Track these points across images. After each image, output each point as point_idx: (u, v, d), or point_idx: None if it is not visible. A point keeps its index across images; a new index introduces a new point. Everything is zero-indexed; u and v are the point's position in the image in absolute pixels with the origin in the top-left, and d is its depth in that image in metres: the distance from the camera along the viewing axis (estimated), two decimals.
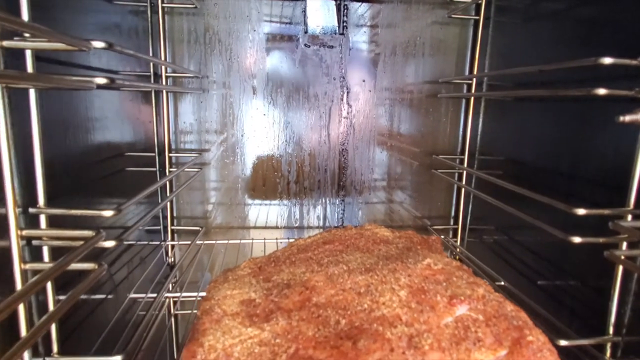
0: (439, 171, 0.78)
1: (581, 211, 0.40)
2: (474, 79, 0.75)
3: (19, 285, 0.31)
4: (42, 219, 0.35)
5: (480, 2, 0.72)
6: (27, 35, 0.31)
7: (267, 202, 0.81)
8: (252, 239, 0.79)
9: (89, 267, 0.33)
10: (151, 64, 0.67)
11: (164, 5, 0.68)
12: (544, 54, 0.58)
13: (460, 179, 0.79)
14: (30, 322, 0.32)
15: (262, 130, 0.77)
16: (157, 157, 0.72)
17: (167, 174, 0.72)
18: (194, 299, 0.66)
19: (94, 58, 0.48)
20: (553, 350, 0.26)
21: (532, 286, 0.58)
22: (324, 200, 0.81)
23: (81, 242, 0.32)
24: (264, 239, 0.79)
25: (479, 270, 0.65)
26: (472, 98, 0.75)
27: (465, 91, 0.77)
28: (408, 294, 0.31)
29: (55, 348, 0.37)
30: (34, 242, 0.34)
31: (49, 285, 0.35)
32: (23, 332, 0.31)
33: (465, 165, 0.77)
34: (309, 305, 0.32)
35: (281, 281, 0.37)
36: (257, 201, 0.80)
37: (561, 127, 0.53)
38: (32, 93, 0.33)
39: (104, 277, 0.51)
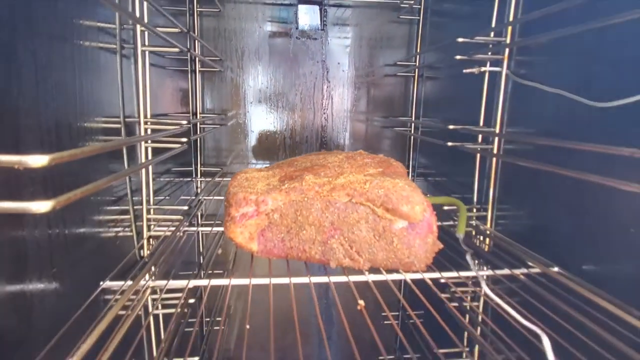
0: (395, 129, 1.08)
1: (451, 126, 0.69)
2: (417, 61, 1.04)
3: (142, 159, 0.61)
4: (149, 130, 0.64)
5: (419, 7, 1.01)
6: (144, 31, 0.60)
7: (268, 161, 1.10)
8: None
9: (178, 146, 0.62)
10: (188, 53, 0.96)
11: (198, 9, 0.97)
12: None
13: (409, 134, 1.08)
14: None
15: (265, 99, 1.07)
16: (191, 117, 1.01)
17: (199, 129, 1.01)
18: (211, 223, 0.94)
19: None
20: (404, 169, 0.56)
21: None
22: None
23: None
24: None
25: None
26: (416, 75, 1.05)
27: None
28: (343, 157, 0.60)
29: (152, 211, 0.67)
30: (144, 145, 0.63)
31: (150, 170, 0.64)
32: (144, 191, 0.60)
33: (413, 126, 1.06)
34: (293, 165, 0.61)
35: (280, 163, 0.66)
36: (260, 159, 1.10)
37: (459, 89, 0.83)
38: (147, 64, 0.62)
39: (166, 187, 0.80)
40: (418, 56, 1.04)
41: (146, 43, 0.60)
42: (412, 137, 1.07)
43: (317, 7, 1.07)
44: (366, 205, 0.48)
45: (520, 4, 0.61)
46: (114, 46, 0.56)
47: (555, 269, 0.50)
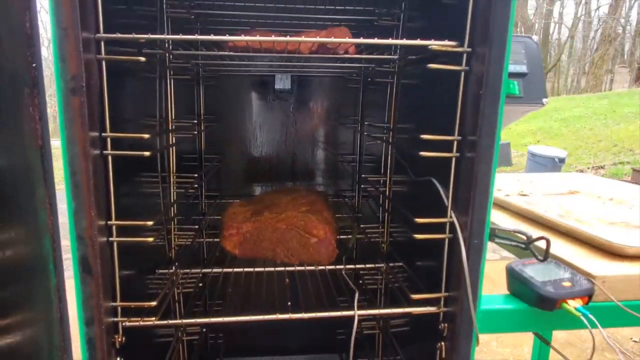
0: (343, 164, 1.49)
1: (363, 175, 1.10)
2: (359, 117, 1.45)
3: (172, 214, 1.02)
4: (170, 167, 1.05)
5: (360, 78, 1.42)
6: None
7: (255, 183, 1.51)
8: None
9: (193, 191, 1.03)
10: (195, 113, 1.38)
11: (203, 83, 1.38)
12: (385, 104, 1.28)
13: (355, 169, 1.49)
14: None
15: (253, 142, 1.48)
16: (197, 156, 1.42)
17: (203, 165, 1.43)
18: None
19: None
20: (324, 205, 0.97)
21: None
22: (284, 182, 1.52)
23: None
24: None
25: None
26: (360, 126, 1.46)
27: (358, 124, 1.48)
28: (290, 199, 1.02)
29: (176, 229, 1.08)
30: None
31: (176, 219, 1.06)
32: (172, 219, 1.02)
33: (358, 162, 1.47)
34: (261, 202, 1.03)
35: (254, 199, 1.08)
36: (249, 183, 1.51)
37: (375, 148, 1.24)
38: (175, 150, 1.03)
39: (184, 203, 1.22)
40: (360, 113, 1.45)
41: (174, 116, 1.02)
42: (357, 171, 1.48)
43: (289, 75, 1.49)
44: (295, 230, 0.89)
45: (398, 107, 1.03)
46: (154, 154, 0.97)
47: (400, 263, 0.91)
